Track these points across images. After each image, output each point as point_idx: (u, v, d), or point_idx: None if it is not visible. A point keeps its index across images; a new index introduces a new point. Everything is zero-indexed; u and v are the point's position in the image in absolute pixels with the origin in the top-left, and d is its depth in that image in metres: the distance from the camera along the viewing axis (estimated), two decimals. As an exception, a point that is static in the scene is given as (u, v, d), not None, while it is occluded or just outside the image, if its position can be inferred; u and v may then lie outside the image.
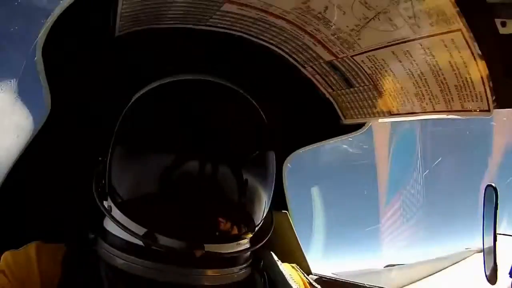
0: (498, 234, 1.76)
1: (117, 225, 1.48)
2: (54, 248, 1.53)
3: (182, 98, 1.57)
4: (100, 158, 1.67)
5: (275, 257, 1.84)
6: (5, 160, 1.85)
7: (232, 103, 1.61)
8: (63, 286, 1.40)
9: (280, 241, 2.12)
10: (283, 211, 2.46)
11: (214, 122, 1.53)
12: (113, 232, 1.55)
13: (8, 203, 1.84)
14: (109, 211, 1.54)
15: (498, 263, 1.77)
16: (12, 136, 1.93)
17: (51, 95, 1.68)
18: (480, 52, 1.41)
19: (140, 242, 1.46)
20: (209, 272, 1.49)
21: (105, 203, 1.58)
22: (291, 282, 1.76)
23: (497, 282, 1.77)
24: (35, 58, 1.58)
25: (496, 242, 1.77)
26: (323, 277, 2.92)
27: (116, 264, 1.49)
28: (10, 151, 1.86)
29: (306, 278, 1.86)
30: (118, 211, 1.51)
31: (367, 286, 2.70)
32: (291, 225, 2.74)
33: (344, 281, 2.83)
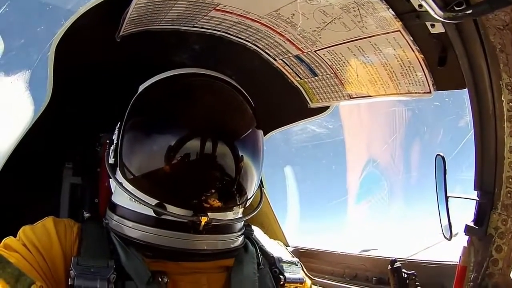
0: (449, 196, 1.89)
1: (131, 196, 1.68)
2: (67, 221, 1.72)
3: (185, 88, 1.81)
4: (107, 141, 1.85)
5: (262, 232, 2.11)
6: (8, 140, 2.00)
7: (225, 91, 1.85)
8: (82, 254, 1.58)
9: (259, 214, 2.25)
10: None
11: (212, 107, 1.78)
12: (123, 205, 1.76)
13: (6, 188, 1.98)
14: (121, 184, 1.73)
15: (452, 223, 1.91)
16: (16, 120, 2.11)
17: (54, 85, 1.85)
18: (418, 47, 1.72)
19: (150, 213, 1.67)
20: (211, 238, 1.72)
21: (116, 178, 1.76)
22: (277, 247, 2.04)
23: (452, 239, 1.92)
24: (48, 53, 1.78)
25: (448, 204, 1.89)
26: (300, 248, 3.17)
27: (127, 233, 1.71)
28: (12, 134, 2.01)
29: (290, 253, 2.08)
30: (130, 185, 1.71)
31: (340, 253, 2.96)
32: (267, 199, 2.98)
33: (318, 251, 3.09)
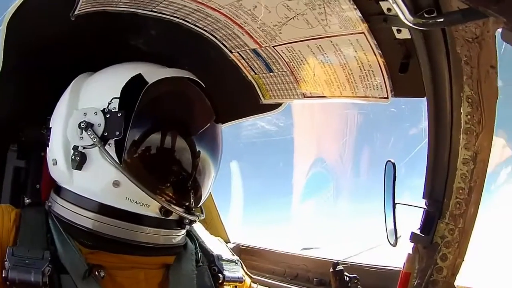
0: (396, 203, 1.89)
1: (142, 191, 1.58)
2: (5, 207, 1.62)
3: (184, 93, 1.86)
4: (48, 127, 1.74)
5: (203, 228, 2.09)
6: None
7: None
8: (18, 243, 1.49)
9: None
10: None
11: (208, 114, 1.91)
12: (74, 191, 1.64)
13: None
14: (129, 179, 1.58)
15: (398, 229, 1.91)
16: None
17: (3, 63, 1.74)
18: (380, 52, 1.70)
19: (103, 201, 1.60)
20: (153, 231, 1.68)
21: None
22: (217, 244, 2.02)
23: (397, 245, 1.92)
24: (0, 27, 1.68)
25: (395, 210, 1.90)
26: (241, 245, 3.14)
27: (70, 218, 1.62)
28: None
29: (230, 250, 2.07)
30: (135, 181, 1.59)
31: (282, 252, 2.95)
32: (211, 196, 2.93)
33: (259, 249, 3.07)
